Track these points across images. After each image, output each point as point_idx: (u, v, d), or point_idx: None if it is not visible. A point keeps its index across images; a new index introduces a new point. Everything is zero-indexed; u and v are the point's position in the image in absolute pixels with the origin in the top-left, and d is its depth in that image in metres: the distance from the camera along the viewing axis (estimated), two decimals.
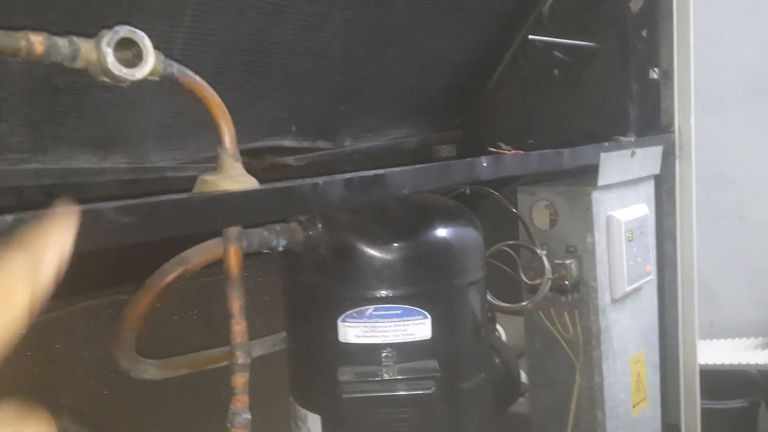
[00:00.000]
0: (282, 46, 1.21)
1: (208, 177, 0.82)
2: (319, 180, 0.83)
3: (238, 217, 0.77)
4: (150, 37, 0.75)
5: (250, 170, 0.85)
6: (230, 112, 0.85)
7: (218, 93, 0.84)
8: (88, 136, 1.06)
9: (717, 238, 2.95)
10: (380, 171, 0.92)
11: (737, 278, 3.03)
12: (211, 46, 1.10)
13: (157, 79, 0.77)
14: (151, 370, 1.05)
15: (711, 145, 2.66)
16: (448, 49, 1.54)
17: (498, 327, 1.84)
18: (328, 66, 1.33)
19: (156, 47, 0.77)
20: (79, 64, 0.70)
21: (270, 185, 0.80)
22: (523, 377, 1.67)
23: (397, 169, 0.94)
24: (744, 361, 2.59)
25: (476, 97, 1.81)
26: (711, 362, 2.60)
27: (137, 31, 0.73)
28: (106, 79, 0.73)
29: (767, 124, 2.96)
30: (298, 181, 0.83)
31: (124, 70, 0.72)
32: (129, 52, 0.72)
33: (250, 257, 0.99)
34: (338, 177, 0.86)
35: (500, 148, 1.66)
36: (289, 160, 1.40)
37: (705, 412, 1.78)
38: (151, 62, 0.73)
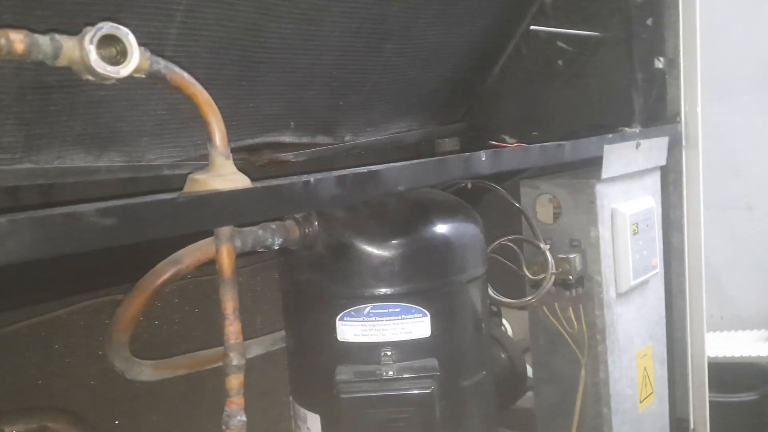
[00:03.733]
0: (279, 41, 1.19)
1: (198, 176, 0.80)
2: (311, 177, 0.81)
3: (225, 217, 0.75)
4: (142, 32, 0.73)
5: (248, 167, 0.83)
6: (227, 107, 0.83)
7: (214, 89, 0.82)
8: (81, 134, 1.05)
9: (725, 228, 2.91)
10: (374, 167, 0.90)
11: (747, 269, 2.99)
12: (205, 41, 1.09)
13: (143, 76, 0.75)
14: (146, 372, 1.04)
15: (719, 135, 2.61)
16: (449, 40, 1.52)
17: (504, 322, 1.82)
18: (327, 60, 1.31)
19: (148, 43, 0.75)
20: (62, 62, 0.68)
21: (259, 184, 0.78)
22: (530, 372, 1.65)
23: (392, 165, 0.92)
24: (755, 353, 2.56)
25: (479, 89, 1.79)
26: (721, 355, 2.57)
27: (121, 27, 0.71)
28: (91, 77, 0.71)
29: None
30: (289, 179, 0.81)
31: (108, 68, 0.70)
32: (113, 48, 0.71)
33: (250, 254, 0.97)
34: (331, 174, 0.84)
35: (504, 140, 1.63)
36: (288, 156, 1.38)
37: (715, 406, 1.75)
38: (135, 59, 0.71)
